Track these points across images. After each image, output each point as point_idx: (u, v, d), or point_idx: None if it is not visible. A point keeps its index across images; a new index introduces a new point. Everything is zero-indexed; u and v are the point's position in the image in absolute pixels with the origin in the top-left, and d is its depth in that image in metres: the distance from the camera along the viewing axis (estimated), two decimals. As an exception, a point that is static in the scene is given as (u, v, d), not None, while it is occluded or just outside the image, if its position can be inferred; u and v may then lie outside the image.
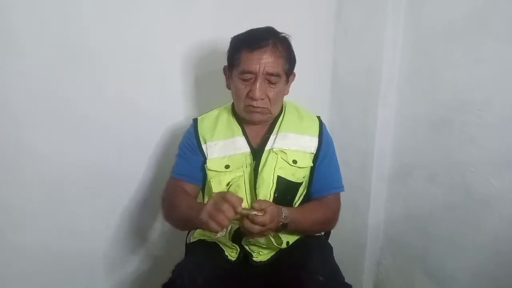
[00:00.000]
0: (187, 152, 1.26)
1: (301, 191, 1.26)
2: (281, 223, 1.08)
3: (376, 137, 1.65)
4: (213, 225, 0.95)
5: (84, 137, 1.41)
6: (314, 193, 1.27)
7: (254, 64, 1.13)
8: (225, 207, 0.95)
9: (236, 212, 0.97)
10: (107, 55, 1.38)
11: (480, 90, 1.33)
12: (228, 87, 1.26)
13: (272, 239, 1.18)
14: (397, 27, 1.58)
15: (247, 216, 1.00)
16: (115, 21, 1.37)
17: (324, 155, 1.26)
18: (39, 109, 1.32)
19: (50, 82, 1.31)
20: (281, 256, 1.22)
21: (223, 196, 0.97)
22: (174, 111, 1.54)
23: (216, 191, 1.17)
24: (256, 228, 1.00)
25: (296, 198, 1.26)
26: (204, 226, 0.98)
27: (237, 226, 1.18)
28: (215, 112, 1.31)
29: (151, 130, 1.52)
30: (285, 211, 1.09)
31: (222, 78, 1.28)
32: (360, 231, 1.77)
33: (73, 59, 1.33)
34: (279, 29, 1.21)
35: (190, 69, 1.53)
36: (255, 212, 0.99)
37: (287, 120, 1.27)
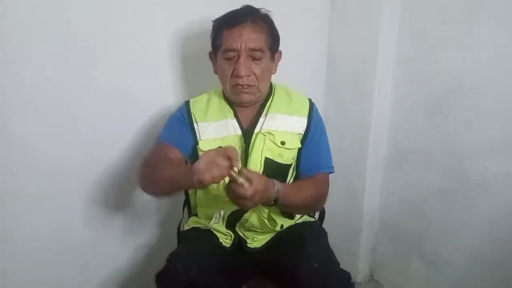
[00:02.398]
0: (177, 123, 1.24)
1: (291, 172, 1.25)
2: (273, 199, 1.04)
3: (372, 123, 1.65)
4: (206, 176, 0.90)
5: (76, 127, 1.38)
6: (302, 173, 1.25)
7: (236, 41, 1.12)
8: (223, 162, 0.92)
9: (230, 172, 0.92)
10: (96, 41, 1.35)
11: (476, 75, 1.32)
12: (216, 72, 1.25)
13: (266, 221, 1.17)
14: (393, 13, 1.56)
15: (235, 181, 0.94)
16: (103, 6, 1.34)
17: (312, 135, 1.24)
18: (30, 100, 1.29)
19: (39, 72, 1.29)
20: (276, 243, 1.22)
21: (225, 151, 0.93)
22: (164, 97, 1.51)
23: None
24: (240, 195, 0.94)
25: (287, 181, 1.25)
26: (194, 178, 0.92)
27: (230, 212, 1.18)
28: (205, 96, 1.30)
29: (143, 117, 1.49)
30: (277, 184, 1.05)
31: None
32: (356, 217, 1.77)
33: (60, 48, 1.30)
34: (274, 14, 1.19)
35: (179, 53, 1.51)
36: (242, 181, 0.93)
37: (276, 101, 1.26)
